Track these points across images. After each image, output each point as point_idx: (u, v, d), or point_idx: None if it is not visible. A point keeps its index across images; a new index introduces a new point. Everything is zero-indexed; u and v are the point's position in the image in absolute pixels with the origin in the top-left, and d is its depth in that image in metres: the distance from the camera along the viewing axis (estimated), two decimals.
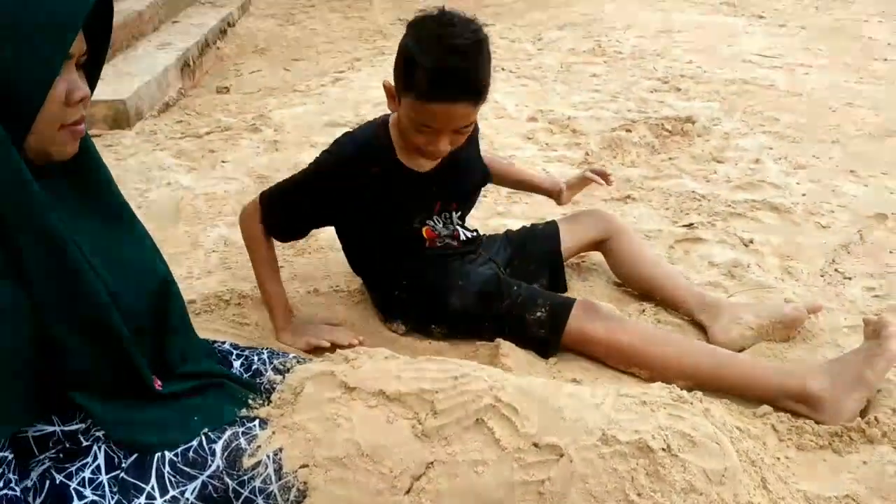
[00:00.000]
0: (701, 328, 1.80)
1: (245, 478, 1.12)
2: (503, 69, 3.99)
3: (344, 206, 1.71)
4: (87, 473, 1.06)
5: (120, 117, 3.26)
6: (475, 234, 1.85)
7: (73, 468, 1.09)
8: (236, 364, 1.34)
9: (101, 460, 1.08)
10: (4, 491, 1.01)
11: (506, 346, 1.66)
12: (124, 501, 1.08)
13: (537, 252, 1.94)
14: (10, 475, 1.03)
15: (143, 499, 1.09)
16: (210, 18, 4.65)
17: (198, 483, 1.11)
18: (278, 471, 1.12)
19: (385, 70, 3.92)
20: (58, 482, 1.07)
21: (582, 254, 2.11)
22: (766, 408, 1.53)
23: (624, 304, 1.91)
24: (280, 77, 4.06)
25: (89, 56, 1.06)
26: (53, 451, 1.10)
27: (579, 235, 1.99)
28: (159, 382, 1.16)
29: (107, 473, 1.08)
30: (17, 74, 0.94)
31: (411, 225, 1.73)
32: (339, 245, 1.89)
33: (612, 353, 1.67)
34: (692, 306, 1.83)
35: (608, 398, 1.24)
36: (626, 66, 4.02)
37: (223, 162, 2.88)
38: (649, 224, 2.34)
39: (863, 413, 1.49)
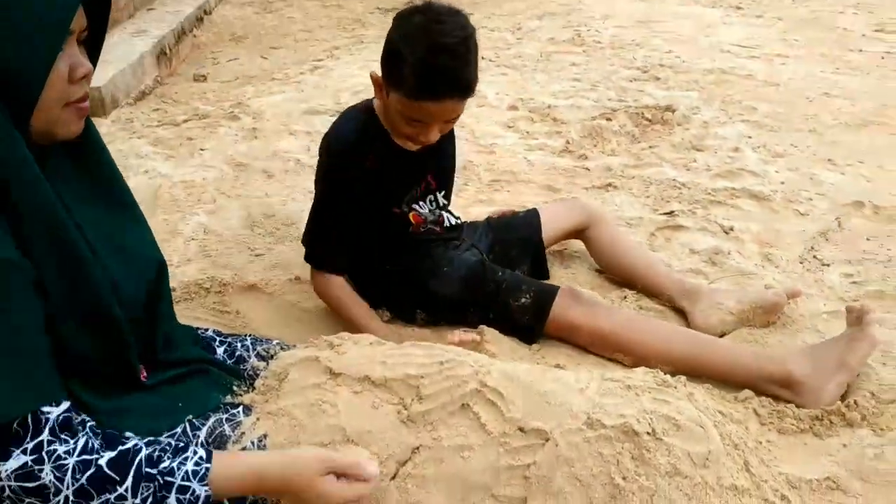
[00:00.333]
0: (682, 314, 1.81)
1: None
2: (483, 58, 3.97)
3: (356, 197, 1.69)
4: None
5: (95, 105, 3.20)
6: (458, 221, 1.85)
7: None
8: (220, 350, 1.33)
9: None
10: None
11: (490, 333, 1.66)
12: None
13: (518, 239, 1.94)
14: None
15: None
16: (186, 6, 4.59)
17: None
18: None
19: (364, 58, 3.90)
20: None
21: (563, 242, 2.12)
22: (747, 392, 1.54)
23: (606, 291, 1.91)
24: (258, 65, 4.02)
25: (89, 32, 1.04)
26: None
27: (560, 223, 1.99)
28: (145, 373, 1.15)
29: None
30: (20, 52, 0.92)
31: (400, 206, 1.72)
32: None
33: (595, 340, 1.67)
34: (673, 293, 1.84)
35: (593, 383, 1.24)
36: (605, 56, 4.02)
37: (201, 150, 2.85)
38: (630, 212, 2.35)
39: (843, 397, 1.51)
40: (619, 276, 1.97)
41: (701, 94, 3.44)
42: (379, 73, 1.58)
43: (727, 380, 1.59)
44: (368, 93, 1.75)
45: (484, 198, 2.45)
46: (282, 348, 1.33)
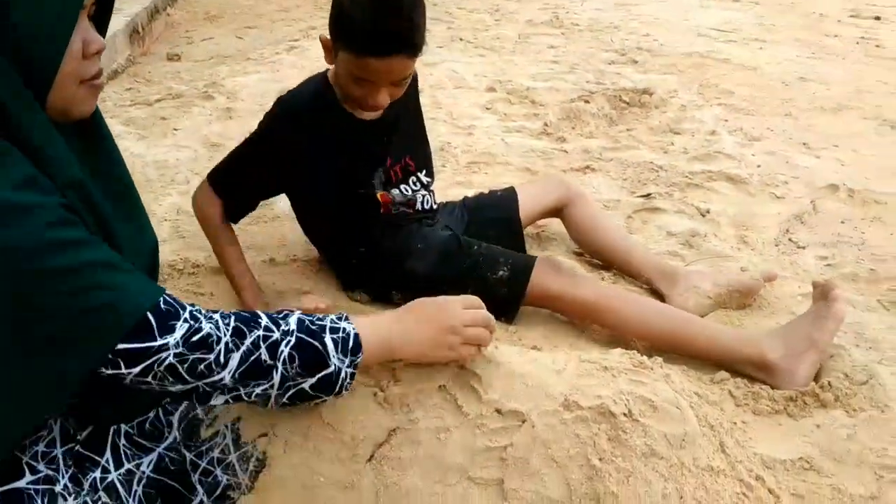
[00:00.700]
0: (659, 296, 1.81)
1: (203, 449, 1.09)
2: (461, 39, 3.96)
3: (296, 168, 1.66)
4: (40, 447, 1.01)
5: None
6: (435, 205, 1.83)
7: (27, 441, 1.05)
8: None
9: (56, 433, 1.04)
10: None
11: None
12: (79, 476, 1.05)
13: (495, 218, 1.93)
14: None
15: (98, 472, 1.06)
16: None
17: (154, 456, 1.08)
18: (237, 440, 1.09)
19: None
20: (9, 456, 1.03)
21: (541, 224, 2.11)
22: (723, 374, 1.55)
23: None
24: (233, 45, 3.96)
25: (97, 6, 1.01)
26: None
27: (538, 201, 1.98)
28: None
29: (62, 447, 1.04)
30: (35, 31, 0.90)
31: (368, 181, 1.68)
32: (294, 214, 1.85)
33: (573, 309, 1.68)
34: (650, 275, 1.84)
35: (570, 364, 1.24)
36: (583, 39, 4.02)
37: (175, 129, 2.80)
38: (608, 194, 2.35)
39: (816, 377, 1.52)
40: (597, 256, 1.97)
41: (678, 77, 3.44)
42: (328, 35, 1.56)
43: (702, 358, 1.60)
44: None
45: (462, 179, 2.44)
46: None
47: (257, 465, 1.09)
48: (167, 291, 0.98)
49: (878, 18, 4.47)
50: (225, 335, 0.97)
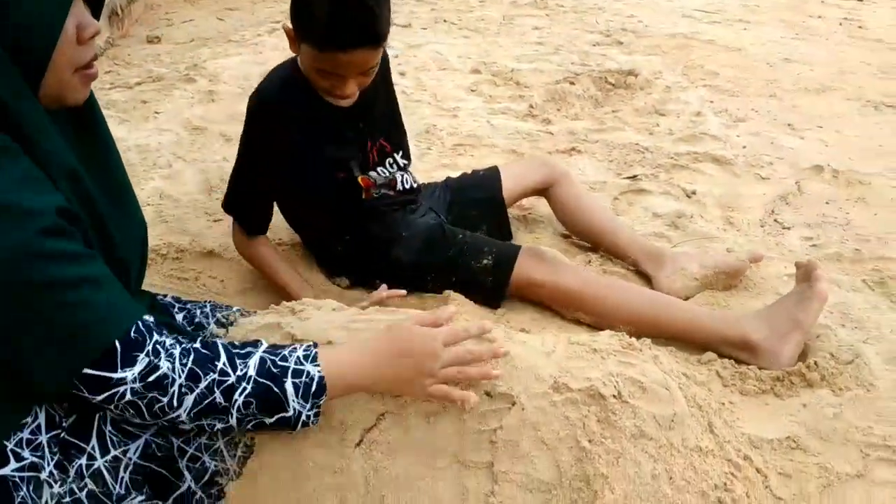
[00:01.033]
0: (646, 278, 1.81)
1: (190, 435, 1.08)
2: (445, 21, 3.93)
3: (281, 159, 1.63)
4: (25, 434, 1.00)
5: None
6: (415, 184, 1.81)
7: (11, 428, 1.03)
8: (179, 317, 1.29)
9: (41, 419, 1.03)
10: None
11: (455, 297, 1.64)
12: (65, 463, 1.04)
13: (478, 198, 1.91)
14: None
15: (84, 459, 1.04)
16: None
17: (141, 442, 1.07)
18: None
19: None
20: None
21: (528, 206, 2.10)
22: (710, 355, 1.55)
23: (570, 256, 1.90)
24: (214, 27, 3.91)
25: None
26: None
27: (521, 180, 1.96)
28: None
29: (47, 433, 1.02)
30: (28, 19, 0.88)
31: (346, 165, 1.66)
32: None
33: (558, 298, 1.67)
34: (637, 256, 1.84)
35: (559, 346, 1.23)
36: (568, 20, 3.99)
37: (156, 113, 2.76)
38: (594, 176, 2.34)
39: (802, 357, 1.53)
40: (583, 236, 1.96)
41: (663, 58, 3.43)
42: (290, 25, 1.53)
43: (687, 341, 1.60)
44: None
45: (447, 162, 2.42)
46: (242, 315, 1.29)
47: (245, 450, 1.08)
48: (144, 316, 0.98)
49: (860, 0, 4.48)
50: (180, 377, 0.97)
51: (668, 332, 1.61)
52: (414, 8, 4.17)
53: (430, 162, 2.39)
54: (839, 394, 1.44)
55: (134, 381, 0.94)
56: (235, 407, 0.99)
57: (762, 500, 1.20)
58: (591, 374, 1.16)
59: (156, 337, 0.97)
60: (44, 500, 0.99)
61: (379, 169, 1.71)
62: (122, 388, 0.94)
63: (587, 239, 1.95)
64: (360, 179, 1.68)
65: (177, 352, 0.98)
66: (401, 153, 1.76)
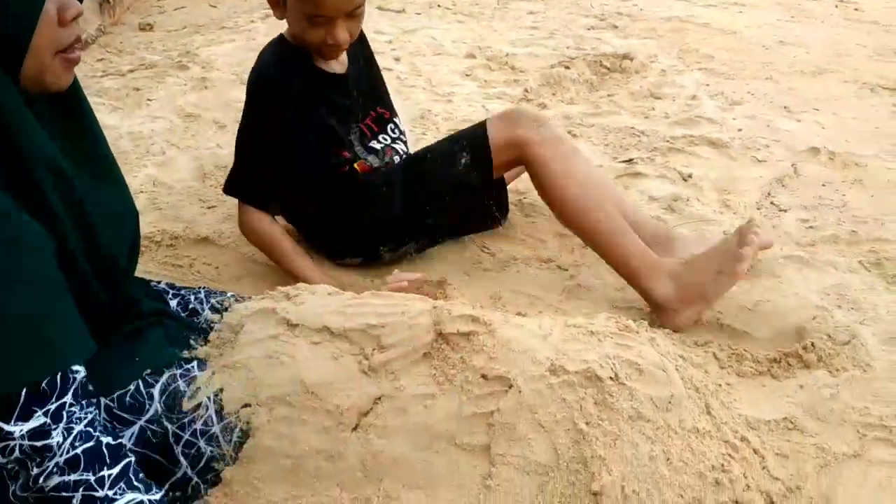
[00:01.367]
0: None
1: (185, 421, 1.07)
2: (439, 6, 3.90)
3: (285, 133, 1.62)
4: None
5: None
6: (406, 152, 1.80)
7: None
8: (173, 303, 1.28)
9: None
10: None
11: (451, 283, 1.64)
12: None
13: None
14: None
15: None
16: None
17: (135, 429, 1.06)
18: (220, 412, 1.07)
19: None
20: None
21: (523, 191, 2.09)
22: (707, 337, 1.55)
23: (567, 240, 1.89)
24: (206, 14, 3.88)
25: None
26: None
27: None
28: None
29: None
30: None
31: (346, 138, 1.65)
32: None
33: (535, 161, 1.65)
34: (644, 236, 1.75)
35: (555, 329, 1.23)
36: (562, 4, 3.97)
37: (149, 100, 2.75)
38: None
39: (798, 338, 1.52)
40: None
41: (658, 42, 3.42)
42: None
43: (614, 267, 1.64)
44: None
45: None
46: (236, 300, 1.28)
47: (241, 435, 1.07)
48: (74, 367, 0.91)
49: None
50: (61, 456, 0.89)
51: (600, 253, 1.64)
52: None
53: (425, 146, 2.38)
54: (836, 375, 1.44)
55: (22, 438, 0.86)
56: None
57: (759, 480, 1.20)
58: (587, 357, 1.16)
59: (68, 399, 0.89)
60: None
61: (381, 136, 1.70)
62: (10, 443, 0.86)
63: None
64: (357, 166, 1.67)
65: (77, 429, 0.90)
66: (397, 118, 1.76)
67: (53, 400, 0.88)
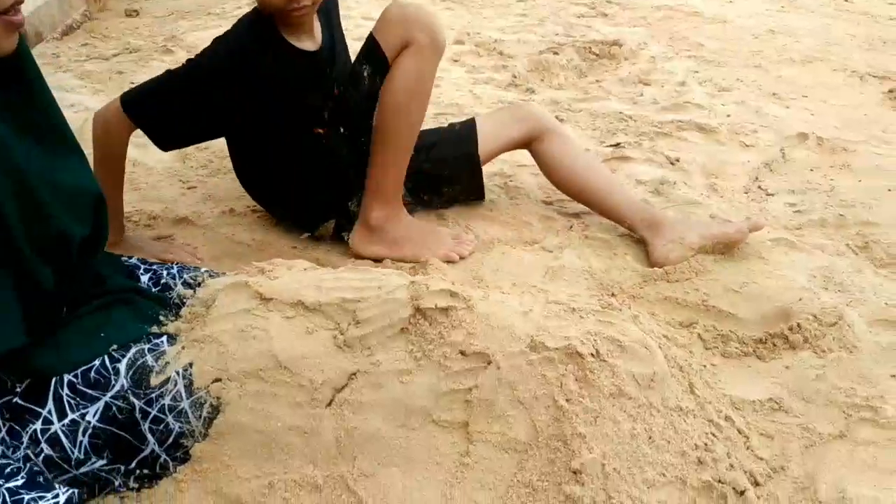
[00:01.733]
0: (641, 242, 1.76)
1: (153, 396, 1.04)
2: None
3: (243, 108, 1.59)
4: None
5: None
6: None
7: None
8: (144, 278, 1.25)
9: None
10: None
11: (433, 263, 1.61)
12: (17, 428, 1.00)
13: (452, 156, 1.84)
14: None
15: (39, 424, 1.01)
16: None
17: (100, 405, 1.03)
18: (189, 387, 1.04)
19: None
20: None
21: (509, 174, 2.07)
22: (692, 317, 1.52)
23: (552, 222, 1.87)
24: (193, 0, 3.83)
25: None
26: None
27: (501, 136, 1.86)
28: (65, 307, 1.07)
29: None
30: None
31: (320, 114, 1.63)
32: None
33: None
34: (634, 221, 1.76)
35: (537, 306, 1.20)
36: None
37: (132, 83, 2.70)
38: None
39: (785, 319, 1.50)
40: (574, 196, 1.86)
41: (648, 30, 3.39)
42: None
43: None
44: None
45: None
46: (210, 276, 1.25)
47: (211, 411, 1.04)
48: None
49: None
50: None
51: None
52: None
53: None
54: (822, 356, 1.42)
55: None
56: None
57: (743, 460, 1.18)
58: (569, 333, 1.13)
59: None
60: None
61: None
62: None
63: (578, 199, 1.86)
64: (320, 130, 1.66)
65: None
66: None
67: None
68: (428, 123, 2.40)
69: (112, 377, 1.04)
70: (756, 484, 1.16)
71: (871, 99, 2.70)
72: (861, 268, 1.69)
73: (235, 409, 1.04)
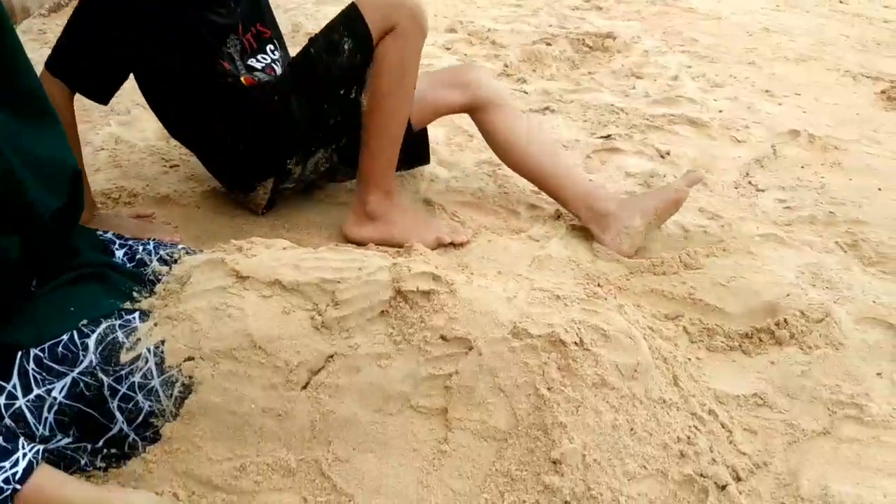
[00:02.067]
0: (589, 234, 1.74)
1: (122, 373, 1.01)
2: None
3: (142, 43, 1.52)
4: None
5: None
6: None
7: None
8: (119, 253, 1.21)
9: None
10: None
11: (417, 248, 1.58)
12: None
13: None
14: None
15: (2, 399, 0.97)
16: None
17: (67, 380, 1.00)
18: (160, 364, 1.01)
19: None
20: None
21: (498, 162, 2.03)
22: (678, 310, 1.50)
23: (539, 211, 1.84)
24: None
25: None
26: None
27: (435, 103, 1.81)
28: (35, 281, 1.04)
29: None
30: None
31: (221, 48, 1.57)
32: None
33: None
34: (581, 213, 1.73)
35: (521, 293, 1.18)
36: None
37: None
38: (567, 134, 2.28)
39: (771, 314, 1.48)
40: (517, 172, 1.81)
41: (642, 24, 3.37)
42: None
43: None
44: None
45: None
46: (187, 253, 1.21)
47: (183, 390, 1.01)
48: None
49: None
50: None
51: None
52: None
53: None
54: (808, 352, 1.41)
55: None
56: None
57: (726, 454, 1.16)
58: (552, 321, 1.11)
59: None
60: None
61: (259, 56, 1.65)
62: None
63: (522, 176, 1.81)
64: (243, 80, 1.60)
65: None
66: (278, 41, 1.71)
67: None
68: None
69: (80, 352, 1.01)
70: (738, 479, 1.14)
71: (864, 99, 2.68)
72: (849, 265, 1.67)
73: (208, 389, 1.01)
